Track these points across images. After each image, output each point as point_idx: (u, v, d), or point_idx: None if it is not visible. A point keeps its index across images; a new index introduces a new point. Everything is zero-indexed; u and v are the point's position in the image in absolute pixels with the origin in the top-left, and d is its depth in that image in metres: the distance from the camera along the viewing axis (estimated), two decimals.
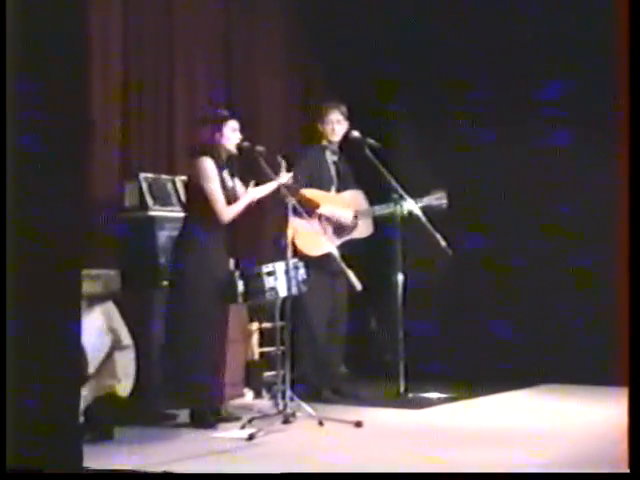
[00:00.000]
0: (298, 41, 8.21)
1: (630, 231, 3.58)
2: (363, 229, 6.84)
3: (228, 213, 5.75)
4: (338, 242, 6.70)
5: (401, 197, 6.62)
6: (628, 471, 3.44)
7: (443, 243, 6.45)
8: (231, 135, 5.84)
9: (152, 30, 7.00)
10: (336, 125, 6.79)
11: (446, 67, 7.97)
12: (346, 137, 6.80)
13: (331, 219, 6.74)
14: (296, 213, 5.92)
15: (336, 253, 6.01)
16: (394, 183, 6.61)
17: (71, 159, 3.97)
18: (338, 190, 6.85)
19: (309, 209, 6.50)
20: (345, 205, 6.80)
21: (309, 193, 6.66)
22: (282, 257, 5.78)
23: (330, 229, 6.75)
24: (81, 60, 4.33)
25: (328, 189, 6.81)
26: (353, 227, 6.80)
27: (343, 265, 5.85)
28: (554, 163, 7.56)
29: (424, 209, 6.65)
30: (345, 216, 6.76)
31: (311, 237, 6.44)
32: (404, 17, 8.11)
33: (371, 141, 6.68)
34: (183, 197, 6.37)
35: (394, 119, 8.25)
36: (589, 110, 7.30)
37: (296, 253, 6.24)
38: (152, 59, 7.01)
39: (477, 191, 7.70)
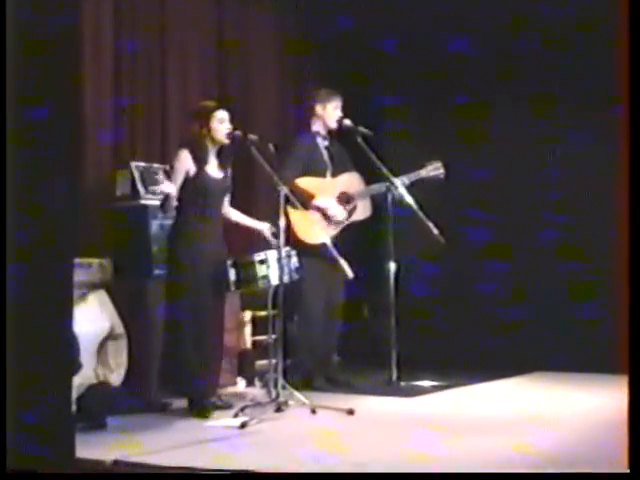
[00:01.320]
0: (291, 29, 8.20)
1: (630, 218, 3.57)
2: (361, 211, 6.84)
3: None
4: (338, 228, 6.71)
5: (392, 184, 6.61)
6: (628, 471, 3.44)
7: (435, 231, 6.45)
8: (219, 126, 5.83)
9: (145, 21, 6.99)
10: (339, 111, 6.79)
11: (440, 53, 7.94)
12: (338, 125, 6.80)
13: (324, 214, 6.72)
14: (289, 202, 5.93)
15: (329, 242, 6.00)
16: (386, 171, 6.61)
17: (63, 149, 3.97)
18: (333, 175, 6.85)
19: (304, 200, 6.50)
20: (341, 188, 6.78)
21: (305, 181, 6.66)
22: (275, 245, 5.79)
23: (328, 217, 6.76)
24: (73, 51, 4.33)
25: (323, 175, 6.81)
26: (352, 210, 6.79)
27: (335, 253, 5.85)
28: (554, 148, 7.56)
29: (423, 181, 6.70)
30: (336, 216, 6.74)
31: (308, 225, 6.44)
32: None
33: (363, 129, 6.68)
34: None
35: (385, 104, 8.23)
36: (589, 96, 7.29)
37: (294, 241, 6.28)
38: (145, 49, 6.99)
39: (472, 177, 7.67)
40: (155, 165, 6.59)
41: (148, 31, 7.02)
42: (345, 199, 6.80)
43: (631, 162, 3.59)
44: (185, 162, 5.74)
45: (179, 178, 5.74)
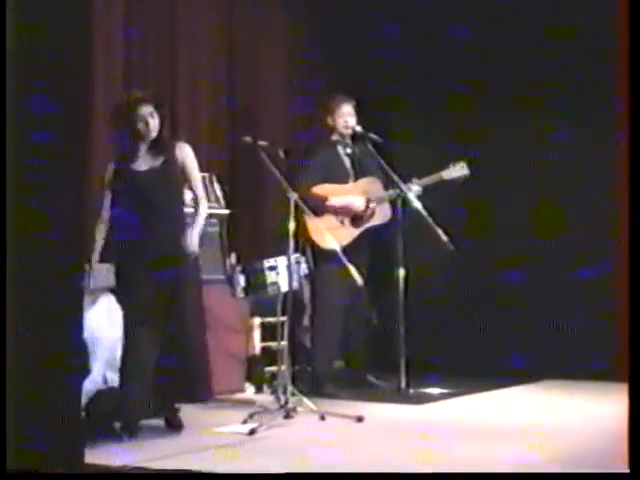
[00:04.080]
0: (301, 33, 8.19)
1: (630, 225, 3.57)
2: (381, 215, 6.84)
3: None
4: (357, 232, 6.72)
5: (402, 191, 6.60)
6: (628, 471, 3.43)
7: (445, 238, 6.43)
8: (140, 125, 5.39)
9: (155, 22, 6.99)
10: (349, 118, 6.78)
11: (447, 57, 7.93)
12: (352, 131, 6.81)
13: (344, 210, 6.74)
14: (299, 208, 5.92)
15: (338, 249, 5.98)
16: (396, 177, 6.60)
17: (72, 153, 3.97)
18: (356, 181, 6.86)
19: (319, 204, 6.52)
20: (359, 194, 6.79)
21: (322, 187, 6.67)
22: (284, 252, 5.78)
23: (347, 220, 6.76)
24: (83, 53, 4.34)
25: (345, 182, 6.82)
26: (370, 214, 6.80)
27: (344, 260, 5.83)
28: (558, 154, 7.52)
29: (447, 182, 6.73)
30: (357, 204, 6.75)
31: (323, 230, 6.44)
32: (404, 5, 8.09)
33: (374, 136, 6.68)
34: None
35: (397, 109, 8.21)
36: (591, 100, 7.27)
37: (311, 245, 6.44)
38: (154, 52, 7.00)
39: (478, 186, 7.62)
40: None
41: (158, 34, 7.02)
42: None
43: (631, 164, 3.59)
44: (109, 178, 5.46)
45: (108, 194, 5.46)
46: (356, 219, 6.78)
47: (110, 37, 6.63)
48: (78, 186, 4.04)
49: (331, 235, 6.27)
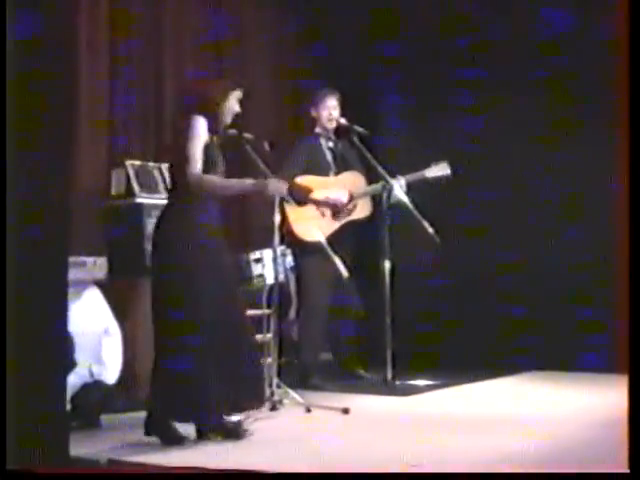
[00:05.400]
0: (289, 27, 8.19)
1: (630, 214, 3.58)
2: (362, 210, 6.85)
3: (198, 178, 4.84)
4: (337, 225, 6.73)
5: (388, 184, 6.61)
6: (628, 471, 3.43)
7: (430, 230, 6.44)
8: (234, 106, 5.18)
9: (142, 21, 6.98)
10: (332, 111, 6.80)
11: (438, 50, 7.93)
12: (336, 124, 6.82)
13: (327, 204, 6.75)
14: (286, 200, 5.92)
15: (323, 240, 5.99)
16: (381, 171, 6.60)
17: (57, 147, 3.97)
18: (338, 175, 6.87)
19: (302, 196, 6.53)
20: (342, 187, 6.80)
21: (305, 179, 6.67)
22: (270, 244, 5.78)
23: (328, 213, 6.77)
24: (70, 52, 4.33)
25: (326, 175, 6.83)
26: (352, 208, 6.81)
27: (330, 252, 5.84)
28: (554, 147, 7.54)
29: (428, 182, 6.71)
30: (339, 198, 6.76)
31: (305, 222, 6.44)
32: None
33: (359, 129, 6.69)
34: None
35: (384, 104, 8.21)
36: (589, 97, 7.28)
37: (292, 238, 6.40)
38: (141, 48, 6.99)
39: (470, 177, 7.62)
40: (150, 163, 6.58)
41: (145, 31, 7.02)
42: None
43: (631, 163, 3.60)
44: (205, 130, 4.95)
45: (201, 142, 4.91)
46: (337, 212, 6.79)
47: (96, 37, 6.62)
48: (63, 181, 4.04)
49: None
